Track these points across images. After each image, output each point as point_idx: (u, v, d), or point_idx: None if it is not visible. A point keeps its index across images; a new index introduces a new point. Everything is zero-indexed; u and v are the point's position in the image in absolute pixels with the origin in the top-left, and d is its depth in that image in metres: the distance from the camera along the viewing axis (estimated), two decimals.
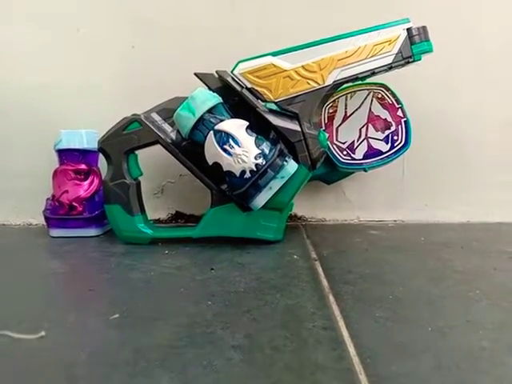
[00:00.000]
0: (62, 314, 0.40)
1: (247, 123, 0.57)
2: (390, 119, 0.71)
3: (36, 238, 0.72)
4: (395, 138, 0.71)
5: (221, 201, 0.62)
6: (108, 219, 0.66)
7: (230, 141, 0.56)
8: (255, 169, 0.55)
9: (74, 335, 0.36)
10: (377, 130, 0.72)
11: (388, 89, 0.71)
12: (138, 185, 0.66)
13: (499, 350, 0.33)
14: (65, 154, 0.71)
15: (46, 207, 0.72)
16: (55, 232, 0.71)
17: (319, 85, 0.59)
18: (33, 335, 0.36)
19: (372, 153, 0.71)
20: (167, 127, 0.64)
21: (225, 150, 0.56)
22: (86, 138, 0.71)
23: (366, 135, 0.72)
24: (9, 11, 0.78)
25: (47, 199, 0.73)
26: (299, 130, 0.59)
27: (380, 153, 0.71)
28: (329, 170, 0.72)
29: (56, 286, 0.51)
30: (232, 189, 0.58)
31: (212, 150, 0.57)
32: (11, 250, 0.66)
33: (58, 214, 0.71)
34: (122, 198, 0.64)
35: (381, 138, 0.71)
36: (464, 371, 0.30)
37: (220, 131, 0.56)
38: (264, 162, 0.55)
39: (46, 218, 0.72)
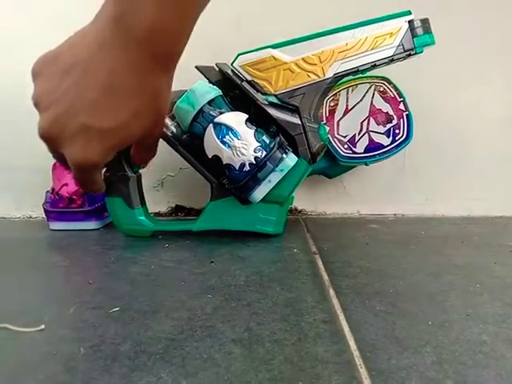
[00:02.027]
0: (62, 307, 0.40)
1: (247, 116, 0.57)
2: (391, 113, 0.71)
3: (36, 231, 0.72)
4: (397, 131, 0.71)
5: (220, 194, 0.62)
6: (108, 212, 0.66)
7: (230, 134, 0.55)
8: (254, 162, 0.55)
9: (73, 328, 0.37)
10: (378, 124, 0.71)
11: (390, 82, 0.70)
12: (139, 177, 0.66)
13: (499, 343, 0.33)
14: None
15: (46, 200, 0.72)
16: (55, 225, 0.71)
17: (319, 77, 0.59)
18: (33, 328, 0.36)
19: (373, 146, 0.71)
20: (167, 120, 0.63)
21: (224, 143, 0.55)
22: None
23: (368, 129, 0.71)
24: (7, 3, 0.77)
25: (47, 192, 0.73)
26: (299, 123, 0.59)
27: (381, 146, 0.71)
28: (330, 164, 0.72)
29: (56, 279, 0.51)
30: (231, 182, 0.58)
31: (211, 143, 0.56)
32: (11, 243, 0.66)
33: (58, 207, 0.71)
34: (122, 191, 0.63)
35: (382, 132, 0.71)
36: (464, 365, 0.30)
37: (220, 124, 0.56)
38: (263, 155, 0.55)
39: (46, 211, 0.72)
